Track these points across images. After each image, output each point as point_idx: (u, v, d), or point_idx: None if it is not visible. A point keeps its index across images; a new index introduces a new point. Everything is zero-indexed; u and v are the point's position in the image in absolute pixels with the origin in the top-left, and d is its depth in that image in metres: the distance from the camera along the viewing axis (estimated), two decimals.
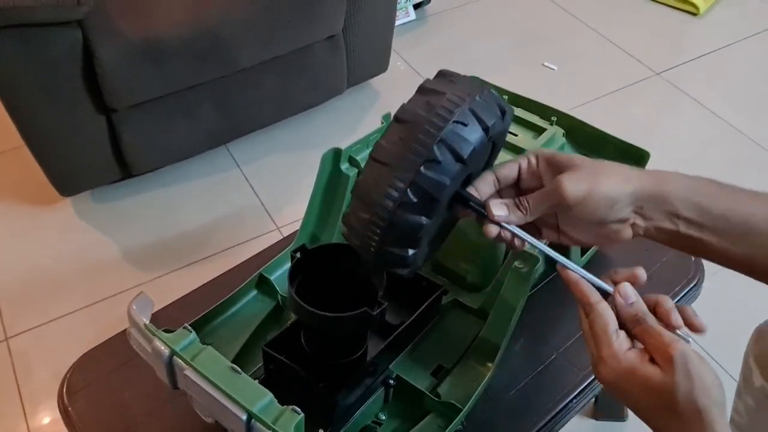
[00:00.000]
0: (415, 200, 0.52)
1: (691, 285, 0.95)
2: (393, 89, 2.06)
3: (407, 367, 0.78)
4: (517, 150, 0.79)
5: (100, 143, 1.57)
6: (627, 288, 0.56)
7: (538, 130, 0.82)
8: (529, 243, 0.58)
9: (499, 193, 0.61)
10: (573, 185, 0.55)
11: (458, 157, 0.52)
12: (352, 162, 0.85)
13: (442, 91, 0.55)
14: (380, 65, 1.97)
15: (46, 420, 1.35)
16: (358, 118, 1.97)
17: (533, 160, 0.60)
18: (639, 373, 0.52)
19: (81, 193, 1.71)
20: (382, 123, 0.89)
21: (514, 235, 0.58)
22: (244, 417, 0.56)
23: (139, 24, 1.44)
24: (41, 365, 1.43)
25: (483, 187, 0.60)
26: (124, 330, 0.92)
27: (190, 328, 0.63)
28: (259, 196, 1.73)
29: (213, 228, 1.67)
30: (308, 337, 0.70)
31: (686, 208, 0.57)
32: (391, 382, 0.72)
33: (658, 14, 2.43)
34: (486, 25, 2.36)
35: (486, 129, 0.54)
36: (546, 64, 2.18)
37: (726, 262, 0.61)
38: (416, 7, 2.36)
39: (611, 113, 1.97)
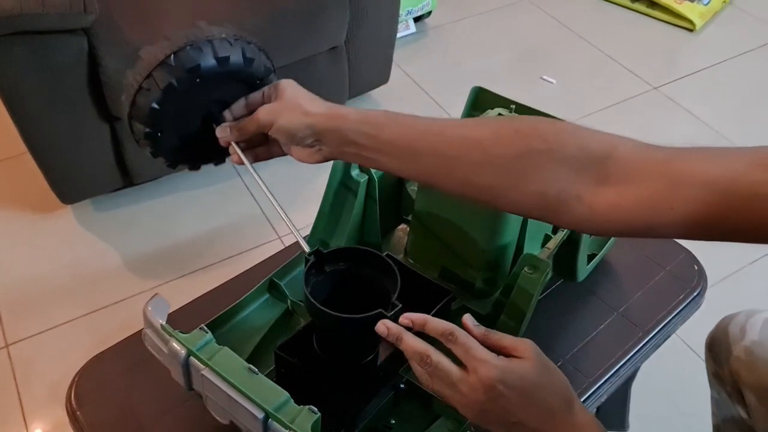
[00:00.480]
0: (149, 87, 0.69)
1: (694, 294, 0.96)
2: (393, 101, 2.07)
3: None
4: None
5: (102, 151, 1.57)
6: (469, 315, 0.63)
7: None
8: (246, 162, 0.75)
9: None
10: (265, 115, 0.71)
11: (184, 68, 0.69)
12: (363, 169, 0.86)
13: (202, 27, 0.74)
14: (381, 77, 1.98)
15: (47, 427, 1.35)
16: None
17: (258, 95, 0.74)
18: (514, 364, 0.58)
19: (82, 201, 1.72)
20: None
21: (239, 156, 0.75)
22: (261, 416, 0.57)
23: (144, 32, 1.45)
24: (42, 372, 1.42)
25: (236, 110, 0.75)
26: (132, 334, 0.93)
27: (206, 329, 0.64)
28: (261, 205, 1.74)
29: (214, 237, 1.67)
30: (321, 340, 0.70)
31: (358, 136, 0.66)
32: (402, 386, 0.73)
33: (655, 30, 2.46)
34: (485, 38, 2.39)
35: (218, 59, 0.70)
36: (545, 77, 2.20)
37: (407, 178, 0.77)
38: (417, 20, 2.38)
39: (610, 126, 1.96)
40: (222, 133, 0.74)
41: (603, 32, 2.43)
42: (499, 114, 0.88)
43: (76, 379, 0.88)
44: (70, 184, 1.61)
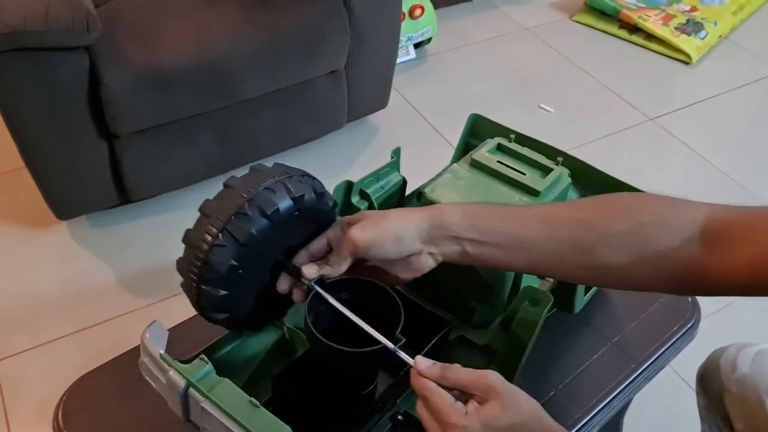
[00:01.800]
0: (224, 243, 0.62)
1: (688, 326, 0.96)
2: (391, 125, 2.08)
3: (414, 402, 0.78)
4: (527, 189, 0.80)
5: (100, 168, 1.57)
6: (420, 358, 0.61)
7: (545, 170, 0.84)
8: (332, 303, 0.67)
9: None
10: (360, 233, 0.65)
11: (263, 214, 0.63)
12: (363, 195, 0.86)
13: (263, 171, 0.68)
14: (380, 101, 1.99)
15: None
16: (356, 153, 1.99)
17: (337, 229, 0.69)
18: (486, 413, 0.57)
19: (78, 217, 1.71)
20: (392, 157, 0.90)
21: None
22: None
23: (146, 52, 1.46)
24: (29, 389, 1.41)
25: (316, 249, 0.69)
26: (122, 354, 0.92)
27: (206, 359, 0.62)
28: None
29: None
30: (322, 371, 0.69)
31: (464, 230, 0.65)
32: (399, 417, 0.72)
33: (652, 62, 2.49)
34: (484, 66, 2.41)
35: (294, 198, 0.65)
36: (542, 106, 2.22)
37: (517, 270, 0.72)
38: (417, 46, 2.41)
39: (606, 155, 2.00)
40: (309, 270, 0.66)
41: (600, 63, 2.46)
42: (499, 144, 0.88)
43: (63, 398, 0.87)
44: (66, 200, 1.61)
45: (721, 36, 2.57)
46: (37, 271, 1.64)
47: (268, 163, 0.71)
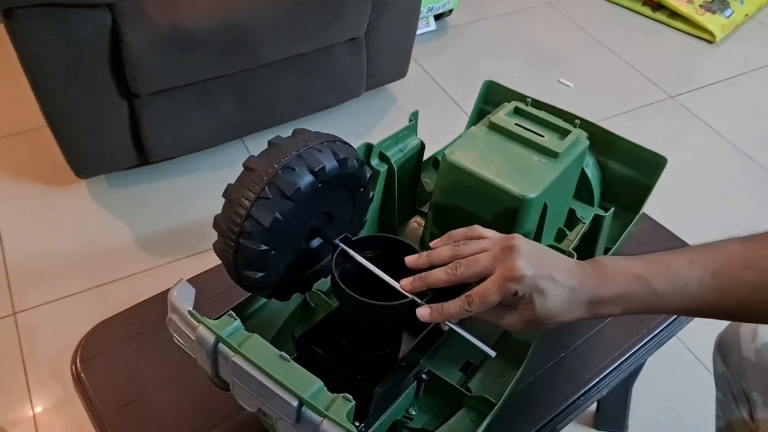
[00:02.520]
0: (270, 196, 0.62)
1: None
2: (409, 95, 2.08)
3: (437, 362, 0.78)
4: (546, 151, 0.80)
5: (120, 127, 1.59)
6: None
7: (563, 132, 0.84)
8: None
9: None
10: (518, 329, 0.64)
11: (311, 170, 0.63)
12: (383, 158, 0.86)
13: (308, 133, 0.68)
14: (399, 71, 1.99)
15: (49, 395, 1.36)
16: (373, 122, 1.99)
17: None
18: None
19: (97, 177, 1.73)
20: (410, 120, 0.90)
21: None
22: (295, 404, 0.55)
23: (169, 12, 1.46)
24: (47, 341, 1.44)
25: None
26: (139, 302, 0.94)
27: (234, 315, 0.62)
28: None
29: None
30: (347, 329, 0.70)
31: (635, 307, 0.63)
32: (424, 376, 0.72)
33: (675, 40, 2.46)
34: (504, 39, 2.39)
35: (339, 160, 0.65)
36: (562, 80, 2.20)
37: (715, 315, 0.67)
38: (437, 18, 2.39)
39: (625, 132, 1.97)
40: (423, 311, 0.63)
41: (623, 39, 2.43)
42: (516, 107, 0.88)
43: (82, 343, 0.89)
44: (85, 159, 1.63)
45: (747, 15, 2.53)
46: (55, 228, 1.66)
47: (286, 129, 0.71)
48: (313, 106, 1.86)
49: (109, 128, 1.57)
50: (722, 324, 0.96)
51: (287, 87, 1.73)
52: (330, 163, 0.65)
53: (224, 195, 0.65)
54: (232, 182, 0.65)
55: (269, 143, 0.66)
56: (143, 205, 1.72)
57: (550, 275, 0.60)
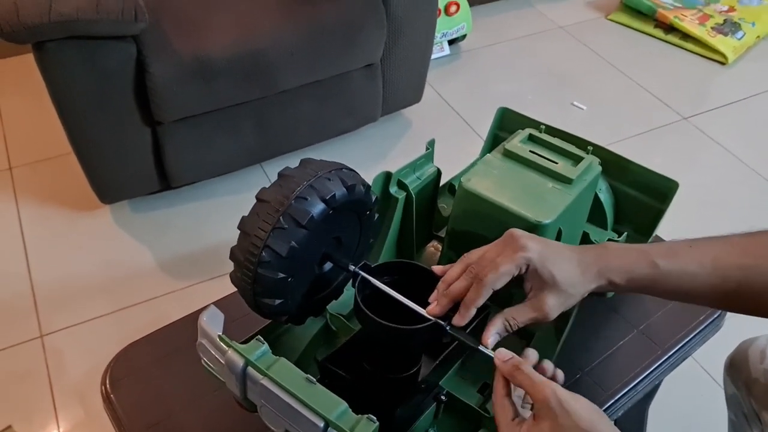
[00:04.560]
0: (285, 226, 0.65)
1: (715, 316, 0.97)
2: (424, 120, 2.11)
3: (455, 384, 0.80)
4: (560, 177, 0.82)
5: (143, 154, 1.63)
6: (502, 350, 0.63)
7: (576, 159, 0.86)
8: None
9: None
10: (555, 310, 0.65)
11: (322, 198, 0.66)
12: (401, 185, 0.89)
13: (316, 162, 0.71)
14: (414, 96, 2.03)
15: (75, 415, 1.39)
16: (389, 146, 2.03)
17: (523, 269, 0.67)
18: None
19: (120, 202, 1.78)
20: (427, 149, 0.93)
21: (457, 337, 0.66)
22: (321, 425, 0.57)
23: (191, 43, 1.51)
24: (72, 363, 1.47)
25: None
26: (166, 325, 0.97)
27: (262, 339, 0.64)
28: None
29: None
30: (369, 352, 0.72)
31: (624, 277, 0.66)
32: (443, 398, 0.74)
33: (687, 62, 2.48)
34: (518, 63, 2.43)
35: (347, 187, 0.68)
36: (575, 103, 2.23)
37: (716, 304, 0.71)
38: (451, 42, 2.43)
39: (639, 154, 1.97)
40: (492, 339, 0.65)
41: (635, 62, 2.46)
42: (530, 134, 0.90)
43: (111, 364, 0.92)
44: (110, 185, 1.68)
45: (759, 36, 2.55)
46: (79, 252, 1.71)
47: (305, 154, 0.74)
48: (330, 131, 1.90)
49: (132, 155, 1.62)
50: (732, 346, 0.97)
51: (305, 113, 1.78)
52: (339, 191, 0.68)
53: (239, 227, 0.68)
54: (249, 208, 0.68)
55: (279, 175, 0.70)
56: (165, 229, 1.76)
57: (555, 248, 0.65)
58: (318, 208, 0.66)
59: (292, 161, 0.73)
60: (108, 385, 0.89)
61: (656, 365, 0.92)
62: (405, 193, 0.89)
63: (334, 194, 0.67)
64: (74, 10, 1.32)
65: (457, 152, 0.99)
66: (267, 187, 0.68)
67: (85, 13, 1.33)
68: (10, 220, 1.77)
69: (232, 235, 0.70)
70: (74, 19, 1.32)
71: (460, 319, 0.65)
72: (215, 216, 1.80)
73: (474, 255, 0.68)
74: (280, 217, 0.64)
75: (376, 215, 0.78)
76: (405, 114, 2.12)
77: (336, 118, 1.86)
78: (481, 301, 0.64)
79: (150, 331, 0.96)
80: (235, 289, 0.99)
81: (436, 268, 0.71)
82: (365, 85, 1.83)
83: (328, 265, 0.74)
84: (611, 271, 0.65)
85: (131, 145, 1.60)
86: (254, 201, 0.68)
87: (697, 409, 1.42)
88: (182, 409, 0.86)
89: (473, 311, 0.65)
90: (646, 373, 0.91)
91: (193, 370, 0.89)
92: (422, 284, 0.70)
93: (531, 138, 0.90)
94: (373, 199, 0.75)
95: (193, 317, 0.97)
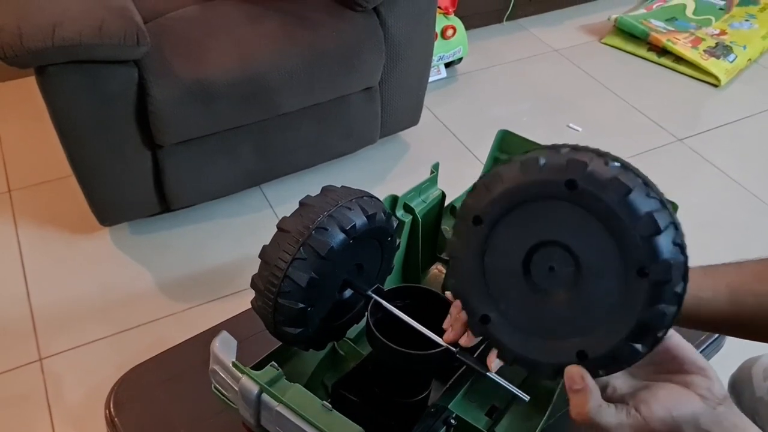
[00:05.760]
0: (305, 257, 0.65)
1: (714, 337, 0.98)
2: (422, 142, 2.13)
3: (463, 407, 0.80)
4: None
5: (143, 177, 1.64)
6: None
7: None
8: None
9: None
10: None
11: (342, 228, 0.67)
12: (407, 209, 0.90)
13: (336, 190, 0.72)
14: (412, 119, 2.04)
15: None
16: (388, 168, 2.04)
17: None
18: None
19: (120, 224, 1.78)
20: (431, 172, 0.94)
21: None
22: None
23: (192, 66, 1.52)
24: (72, 386, 1.46)
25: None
26: (170, 348, 0.97)
27: (276, 366, 0.65)
28: None
29: (245, 264, 1.72)
30: (380, 376, 0.73)
31: None
32: (453, 421, 0.74)
33: (680, 85, 2.51)
34: (513, 86, 2.46)
35: (368, 216, 0.69)
36: (571, 125, 2.25)
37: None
38: (448, 66, 2.46)
39: None
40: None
41: (629, 84, 2.49)
42: None
43: (115, 388, 0.91)
44: (109, 207, 1.68)
45: (750, 59, 2.59)
46: (79, 274, 1.71)
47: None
48: (329, 153, 1.91)
49: (132, 178, 1.63)
50: (735, 365, 0.98)
51: (305, 135, 1.79)
52: (360, 220, 0.68)
53: (260, 256, 0.68)
54: (257, 226, 0.69)
55: (300, 203, 0.70)
56: (165, 252, 1.76)
57: None
58: (338, 238, 0.66)
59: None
60: (112, 408, 0.89)
61: None
62: (411, 217, 0.90)
63: (355, 224, 0.67)
64: (77, 34, 1.33)
65: (456, 174, 1.00)
66: (288, 216, 0.69)
67: (87, 37, 1.34)
68: (9, 243, 1.77)
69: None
70: (77, 43, 1.33)
71: (468, 340, 0.64)
72: (215, 238, 1.80)
73: None
74: (300, 248, 0.65)
75: (398, 240, 0.79)
76: (403, 136, 2.14)
77: (335, 141, 1.88)
78: None
79: (150, 354, 0.96)
80: (241, 311, 1.01)
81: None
82: (364, 108, 1.85)
83: (348, 292, 0.75)
84: None
85: (131, 167, 1.61)
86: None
87: None
88: (187, 431, 0.86)
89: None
90: None
91: (197, 392, 0.90)
92: (433, 309, 0.70)
93: None
94: (395, 225, 0.75)
95: (197, 340, 0.98)
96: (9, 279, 1.68)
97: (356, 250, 0.71)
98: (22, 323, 1.58)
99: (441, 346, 0.65)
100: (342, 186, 0.73)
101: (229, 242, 1.78)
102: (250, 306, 1.01)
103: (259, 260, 0.69)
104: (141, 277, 1.70)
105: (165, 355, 0.95)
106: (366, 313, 0.69)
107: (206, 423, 0.87)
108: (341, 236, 0.66)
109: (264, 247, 0.68)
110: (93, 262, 1.73)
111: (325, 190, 0.72)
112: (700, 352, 0.97)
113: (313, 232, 0.65)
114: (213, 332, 0.98)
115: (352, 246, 0.69)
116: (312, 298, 0.67)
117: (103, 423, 0.89)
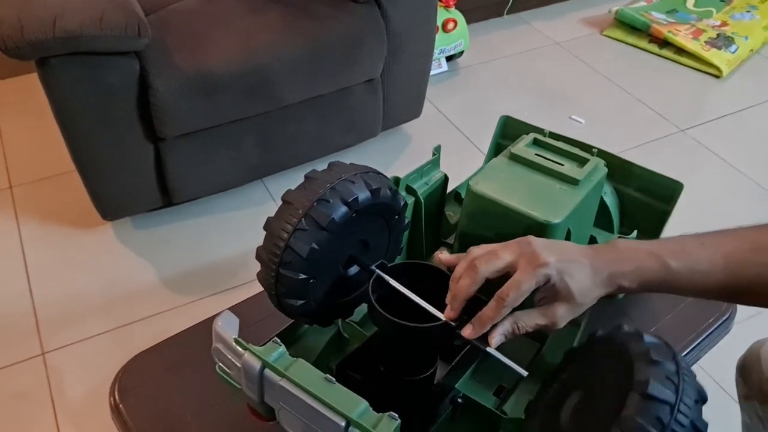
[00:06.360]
0: (306, 227, 0.65)
1: (724, 318, 0.97)
2: (424, 135, 2.13)
3: (471, 388, 0.80)
4: (566, 179, 0.83)
5: (145, 170, 1.63)
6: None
7: (582, 161, 0.86)
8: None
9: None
10: (564, 320, 0.65)
11: (344, 201, 0.67)
12: (409, 190, 0.89)
13: (341, 166, 0.72)
14: (414, 111, 2.04)
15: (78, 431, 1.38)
16: (390, 161, 2.03)
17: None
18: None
19: (122, 219, 1.78)
20: (433, 154, 0.94)
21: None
22: (343, 423, 0.56)
23: (194, 58, 1.52)
24: (75, 380, 1.46)
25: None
26: (173, 335, 0.97)
27: (279, 341, 0.64)
28: None
29: (247, 258, 1.71)
30: (384, 354, 0.72)
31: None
32: (459, 400, 0.74)
33: (683, 76, 2.51)
34: (515, 79, 2.45)
35: (371, 191, 0.69)
36: (573, 117, 2.25)
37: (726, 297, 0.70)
38: (449, 59, 2.46)
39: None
40: (499, 339, 0.64)
41: (631, 76, 2.48)
42: (535, 138, 0.91)
43: (119, 375, 0.91)
44: (112, 202, 1.67)
45: (752, 50, 2.58)
46: (81, 269, 1.70)
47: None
48: (331, 146, 1.90)
49: (135, 171, 1.62)
50: (743, 348, 0.97)
51: (307, 128, 1.78)
52: (363, 194, 0.68)
53: (265, 227, 0.68)
54: (259, 220, 0.69)
55: (306, 177, 0.70)
56: (167, 246, 1.76)
57: (571, 258, 0.64)
58: (340, 210, 0.66)
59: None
60: (117, 396, 0.88)
61: None
62: (414, 198, 0.89)
63: (357, 197, 0.67)
64: (78, 25, 1.33)
65: (458, 166, 1.00)
66: (293, 189, 0.69)
67: (88, 28, 1.34)
68: (11, 239, 1.76)
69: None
70: (78, 34, 1.33)
71: (472, 333, 0.64)
72: (217, 232, 1.79)
73: (479, 250, 0.66)
74: (302, 219, 0.65)
75: (407, 220, 0.78)
76: (405, 129, 2.13)
77: (337, 134, 1.87)
78: (498, 320, 0.63)
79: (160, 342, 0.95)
80: (247, 296, 1.00)
81: (443, 257, 0.70)
82: (366, 100, 1.84)
83: (354, 269, 0.74)
84: (623, 276, 0.65)
85: (134, 161, 1.60)
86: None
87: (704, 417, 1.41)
88: (193, 418, 0.86)
89: (487, 327, 0.64)
90: None
91: (202, 378, 0.89)
92: (437, 286, 0.70)
93: (536, 142, 0.91)
94: (402, 203, 0.75)
95: (200, 327, 0.97)
96: (11, 274, 1.68)
97: (361, 225, 0.70)
98: (25, 318, 1.58)
99: (441, 320, 0.65)
100: (350, 163, 0.73)
101: (232, 236, 1.78)
102: (253, 294, 1.01)
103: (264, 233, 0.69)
104: (143, 272, 1.70)
105: (168, 342, 0.95)
106: (367, 287, 0.68)
107: (212, 409, 0.86)
108: (343, 209, 0.66)
109: (268, 218, 0.69)
110: (95, 257, 1.73)
111: (332, 165, 0.72)
112: (709, 334, 0.96)
113: (315, 203, 0.66)
114: (209, 322, 0.97)
115: (355, 220, 0.68)
116: (314, 270, 0.67)
117: (107, 416, 0.88)
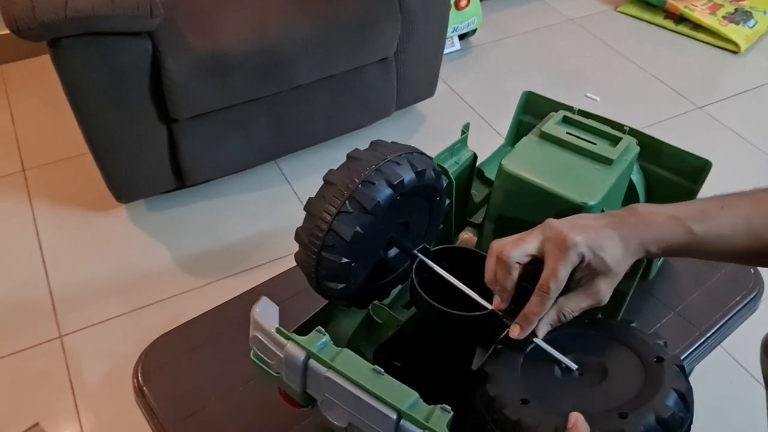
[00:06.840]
0: (350, 210, 0.63)
1: (751, 296, 0.96)
2: (438, 114, 2.10)
3: None
4: (600, 158, 0.81)
5: (159, 152, 1.62)
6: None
7: (614, 140, 0.85)
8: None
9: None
10: (608, 293, 0.64)
11: (389, 183, 0.65)
12: (441, 170, 0.87)
13: (385, 145, 0.70)
14: (428, 90, 2.01)
15: (97, 414, 1.38)
16: (404, 140, 1.97)
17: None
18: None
19: (136, 201, 1.77)
20: (462, 133, 0.92)
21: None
22: (394, 416, 0.54)
23: (206, 39, 1.50)
24: (93, 362, 1.46)
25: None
26: (195, 317, 0.96)
27: (323, 330, 0.61)
28: None
29: (263, 239, 1.71)
30: (421, 341, 0.70)
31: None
32: None
33: (699, 52, 2.47)
34: (529, 56, 2.42)
35: (416, 172, 0.67)
36: (589, 95, 2.22)
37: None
38: (462, 38, 2.42)
39: None
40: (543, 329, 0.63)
41: (647, 53, 2.44)
42: (565, 116, 0.89)
43: (142, 357, 0.90)
44: (126, 185, 1.66)
45: None
46: (96, 252, 1.70)
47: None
48: (345, 126, 1.88)
49: (148, 153, 1.61)
50: (766, 328, 0.95)
51: (320, 108, 1.76)
52: (408, 176, 0.66)
53: (305, 208, 0.66)
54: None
55: (348, 156, 0.67)
56: (181, 228, 1.75)
57: (597, 231, 0.62)
58: (385, 193, 0.64)
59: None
60: (140, 377, 0.88)
61: (695, 346, 0.90)
62: (446, 179, 0.87)
63: (403, 179, 0.65)
64: (90, 5, 1.31)
65: (474, 145, 0.98)
66: (335, 168, 0.67)
67: (100, 8, 1.32)
68: (25, 223, 1.76)
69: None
70: (90, 15, 1.31)
71: (520, 333, 0.62)
72: (231, 214, 1.78)
73: (500, 242, 0.65)
74: (346, 201, 0.63)
75: (447, 201, 0.76)
76: (418, 108, 2.11)
77: (350, 113, 1.85)
78: (543, 313, 0.62)
79: (169, 329, 0.95)
80: (263, 278, 0.99)
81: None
82: (379, 80, 1.82)
83: (393, 251, 0.73)
84: (650, 243, 0.63)
85: (147, 142, 1.59)
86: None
87: (726, 398, 1.40)
88: (217, 399, 0.85)
89: (534, 323, 0.62)
90: (685, 355, 0.90)
91: (225, 360, 0.89)
92: (479, 271, 0.68)
93: (566, 120, 0.89)
94: (444, 184, 0.73)
95: (221, 308, 0.97)
96: (27, 258, 1.67)
97: (403, 207, 0.68)
98: (41, 301, 1.58)
99: (486, 309, 0.63)
100: (392, 141, 0.70)
101: (246, 217, 1.77)
102: (270, 277, 1.00)
103: (304, 213, 0.67)
104: (158, 254, 1.69)
105: (189, 324, 0.94)
106: (411, 273, 0.67)
107: (236, 391, 0.86)
108: (388, 191, 0.64)
109: (309, 199, 0.66)
110: (110, 240, 1.72)
111: (374, 144, 0.69)
112: (734, 314, 0.95)
113: (360, 185, 0.63)
114: (230, 305, 0.97)
115: (399, 203, 0.66)
116: (356, 253, 0.65)
117: (126, 397, 0.87)
